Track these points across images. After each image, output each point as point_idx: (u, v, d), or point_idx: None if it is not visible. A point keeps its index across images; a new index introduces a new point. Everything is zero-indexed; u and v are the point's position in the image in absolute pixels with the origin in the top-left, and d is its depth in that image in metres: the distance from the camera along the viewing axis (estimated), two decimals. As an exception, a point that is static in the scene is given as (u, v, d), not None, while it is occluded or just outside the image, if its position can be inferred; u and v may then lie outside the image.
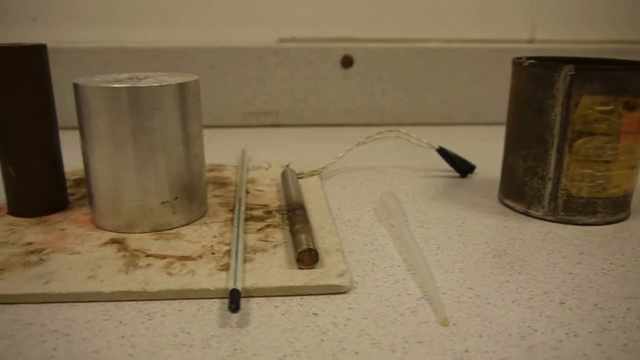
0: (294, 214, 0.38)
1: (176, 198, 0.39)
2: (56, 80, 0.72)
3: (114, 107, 0.36)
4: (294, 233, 0.35)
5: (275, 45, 0.72)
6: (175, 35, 0.73)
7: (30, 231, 0.38)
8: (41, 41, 0.72)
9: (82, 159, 0.53)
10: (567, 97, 0.40)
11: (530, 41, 0.75)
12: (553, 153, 0.41)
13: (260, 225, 0.40)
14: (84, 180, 0.49)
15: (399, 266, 0.35)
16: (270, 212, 0.42)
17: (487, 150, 0.64)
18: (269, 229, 0.39)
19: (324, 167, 0.52)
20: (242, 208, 0.41)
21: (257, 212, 0.42)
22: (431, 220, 0.43)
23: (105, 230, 0.39)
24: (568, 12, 0.74)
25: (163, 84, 0.36)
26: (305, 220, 0.37)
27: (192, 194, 0.40)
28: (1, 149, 0.40)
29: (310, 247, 0.33)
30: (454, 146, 0.64)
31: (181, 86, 0.37)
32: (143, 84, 0.36)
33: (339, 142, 0.68)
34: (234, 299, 0.28)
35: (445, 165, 0.56)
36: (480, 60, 0.74)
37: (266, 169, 0.53)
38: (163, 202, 0.38)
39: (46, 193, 0.41)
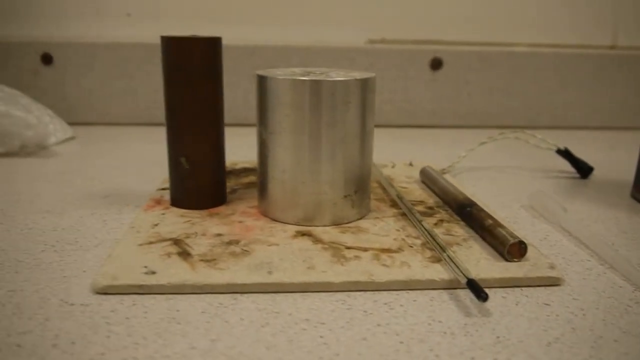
0: (474, 210, 0.38)
1: (355, 192, 0.39)
2: (154, 76, 0.72)
3: (310, 100, 0.36)
4: (488, 228, 0.36)
5: (365, 46, 0.73)
6: (268, 34, 0.74)
7: (209, 223, 0.38)
8: (135, 37, 0.71)
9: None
10: None
11: (613, 47, 0.77)
12: None
13: (433, 220, 0.40)
14: (227, 173, 0.49)
15: (589, 260, 0.36)
16: (431, 207, 0.43)
17: (584, 152, 0.64)
18: (445, 224, 0.39)
19: (450, 166, 0.53)
20: (409, 204, 0.41)
21: (419, 208, 0.42)
22: (585, 218, 0.43)
23: (282, 222, 0.39)
24: (649, 20, 0.76)
25: (357, 77, 0.37)
26: (492, 216, 0.37)
27: (365, 189, 0.40)
28: (174, 140, 0.40)
29: (520, 240, 0.33)
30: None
31: (366, 81, 0.38)
32: (335, 77, 0.37)
33: (432, 142, 0.69)
34: (480, 289, 0.29)
35: (560, 166, 0.57)
36: (565, 64, 0.75)
37: (392, 167, 0.54)
38: (345, 196, 0.38)
39: (213, 185, 0.41)
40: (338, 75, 0.38)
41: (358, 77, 0.37)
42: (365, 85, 0.38)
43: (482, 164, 0.58)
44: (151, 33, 0.72)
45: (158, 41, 0.71)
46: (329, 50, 0.72)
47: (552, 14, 0.76)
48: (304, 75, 0.37)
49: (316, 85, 0.36)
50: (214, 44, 0.39)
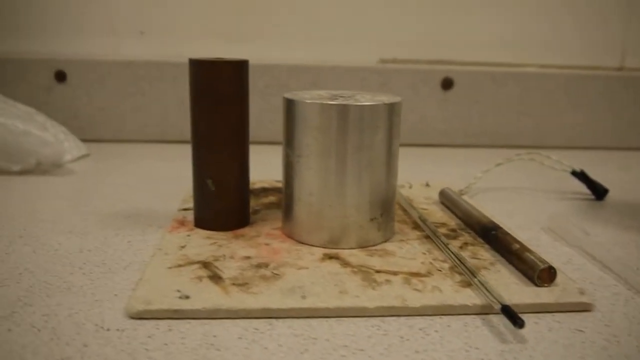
0: (499, 233, 0.39)
1: (381, 215, 0.39)
2: (167, 94, 0.72)
3: (339, 124, 0.36)
4: (516, 252, 0.36)
5: (377, 66, 0.74)
6: (280, 53, 0.74)
7: (236, 245, 0.38)
8: (148, 55, 0.72)
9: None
10: None
11: (620, 69, 0.78)
12: None
13: (457, 243, 0.40)
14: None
15: (616, 285, 0.36)
16: (454, 230, 0.43)
17: (594, 173, 0.65)
18: (470, 247, 0.39)
19: (467, 187, 0.53)
20: (433, 227, 0.41)
21: (442, 230, 0.43)
22: (607, 241, 0.44)
23: (308, 244, 0.39)
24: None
25: (385, 102, 0.37)
26: (518, 240, 0.38)
27: (390, 211, 0.40)
28: (200, 162, 0.40)
29: (550, 265, 0.34)
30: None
31: (393, 106, 0.38)
32: (363, 102, 0.37)
33: (445, 161, 0.69)
34: (516, 315, 0.29)
35: (574, 187, 0.57)
36: (574, 86, 0.76)
37: (409, 188, 0.54)
38: (372, 219, 0.39)
39: (239, 207, 0.41)
40: (365, 99, 0.38)
41: (386, 102, 0.37)
42: (392, 110, 0.38)
43: (497, 185, 0.58)
44: (164, 51, 0.73)
45: (171, 59, 0.73)
46: (340, 70, 0.73)
47: (562, 36, 0.77)
48: (331, 99, 0.37)
49: (344, 109, 0.36)
50: (241, 66, 0.40)
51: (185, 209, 0.45)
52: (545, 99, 0.77)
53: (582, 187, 0.57)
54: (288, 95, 0.39)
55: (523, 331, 0.30)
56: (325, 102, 0.37)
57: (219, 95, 0.39)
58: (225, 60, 0.39)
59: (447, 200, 0.48)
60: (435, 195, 0.52)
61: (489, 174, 0.60)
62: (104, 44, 0.73)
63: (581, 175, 0.54)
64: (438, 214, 0.47)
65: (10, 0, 0.71)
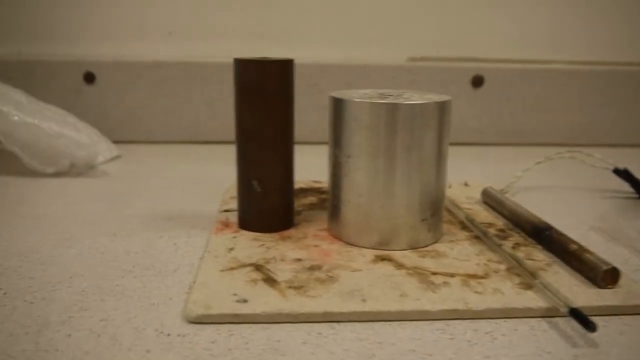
0: (554, 233, 0.38)
1: (432, 215, 0.38)
2: (196, 94, 0.72)
3: (390, 123, 0.36)
4: (575, 253, 0.35)
5: (406, 64, 0.73)
6: (309, 53, 0.74)
7: (284, 247, 0.38)
8: (176, 55, 0.72)
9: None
10: None
11: (653, 64, 0.77)
12: None
13: (509, 243, 0.39)
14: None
15: (677, 286, 0.35)
16: (502, 230, 0.42)
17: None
18: (523, 248, 0.39)
19: (508, 186, 0.52)
20: (483, 228, 0.40)
21: (491, 230, 0.42)
22: (658, 240, 0.43)
23: (357, 246, 0.38)
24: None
25: (436, 100, 0.36)
26: (574, 240, 0.37)
27: (440, 212, 0.39)
28: (246, 163, 0.40)
29: (613, 266, 0.33)
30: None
31: (444, 104, 0.37)
32: (413, 100, 0.36)
33: (478, 160, 0.68)
34: (587, 319, 0.28)
35: (615, 185, 0.56)
36: (605, 82, 0.75)
37: (449, 187, 0.53)
38: (423, 219, 0.38)
39: (284, 208, 0.41)
40: (415, 98, 0.37)
41: (437, 100, 0.37)
42: (443, 108, 0.37)
43: (538, 184, 0.57)
44: (192, 52, 0.73)
45: (199, 59, 0.72)
46: (370, 68, 0.72)
47: (592, 32, 0.76)
48: (380, 98, 0.37)
49: (395, 108, 0.36)
50: (287, 66, 0.39)
51: (226, 210, 0.45)
52: (576, 96, 0.75)
53: (624, 186, 0.55)
54: (336, 95, 0.38)
55: (593, 335, 0.29)
56: (375, 100, 0.36)
57: (266, 96, 0.38)
58: (271, 60, 0.38)
59: (491, 200, 0.47)
60: (476, 195, 0.51)
61: (528, 172, 0.59)
62: (133, 44, 0.72)
63: (625, 174, 0.53)
64: (483, 214, 0.46)
65: (37, 3, 0.71)
